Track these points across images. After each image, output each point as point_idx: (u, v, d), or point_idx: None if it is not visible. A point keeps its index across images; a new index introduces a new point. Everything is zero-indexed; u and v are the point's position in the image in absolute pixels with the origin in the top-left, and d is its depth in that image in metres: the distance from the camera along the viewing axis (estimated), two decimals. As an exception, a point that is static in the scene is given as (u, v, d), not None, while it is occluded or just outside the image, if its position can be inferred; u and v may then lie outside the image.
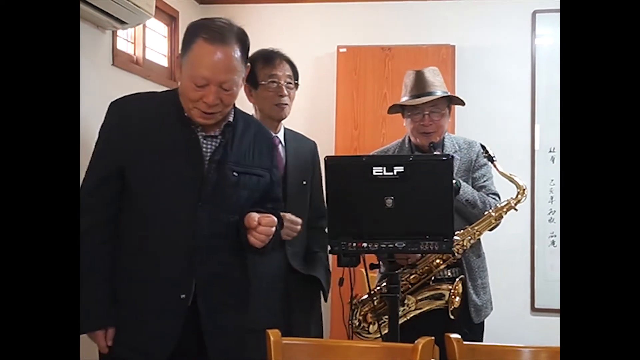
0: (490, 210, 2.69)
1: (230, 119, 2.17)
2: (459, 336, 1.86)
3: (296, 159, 2.84)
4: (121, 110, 2.14)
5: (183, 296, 2.06)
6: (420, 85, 2.81)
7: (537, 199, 4.44)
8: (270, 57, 2.81)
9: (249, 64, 2.12)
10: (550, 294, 4.41)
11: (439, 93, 2.79)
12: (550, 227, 4.47)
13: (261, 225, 2.06)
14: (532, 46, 4.57)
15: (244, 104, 2.86)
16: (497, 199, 2.78)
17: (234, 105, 2.17)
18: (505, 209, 2.68)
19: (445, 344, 1.87)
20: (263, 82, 2.78)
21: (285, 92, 2.79)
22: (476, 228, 2.68)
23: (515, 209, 2.71)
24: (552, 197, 4.39)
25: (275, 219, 2.11)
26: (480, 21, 4.62)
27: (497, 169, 2.68)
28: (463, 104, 2.87)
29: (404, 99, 2.85)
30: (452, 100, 2.86)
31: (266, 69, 2.79)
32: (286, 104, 2.80)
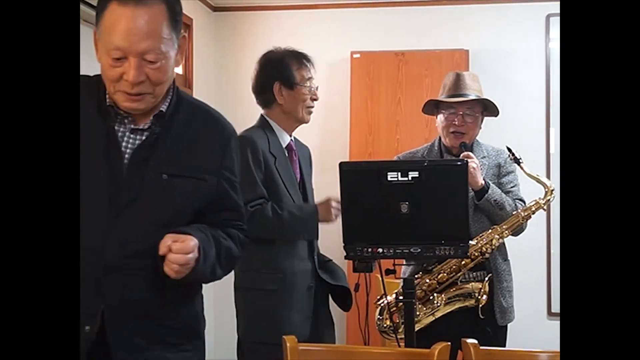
0: (519, 210, 2.72)
1: (164, 107, 1.74)
2: (476, 341, 1.86)
3: (305, 165, 2.85)
4: None
5: (87, 328, 1.63)
6: (458, 86, 2.86)
7: (552, 202, 4.41)
8: (307, 60, 2.79)
9: (185, 34, 1.75)
10: (567, 298, 4.38)
11: (475, 97, 2.84)
12: (566, 231, 4.44)
13: (171, 251, 1.62)
14: (546, 50, 4.56)
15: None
16: (523, 205, 2.81)
17: (176, 89, 1.78)
18: (533, 208, 2.72)
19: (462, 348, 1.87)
20: (301, 84, 2.73)
21: (318, 96, 2.79)
22: (504, 227, 2.71)
23: (544, 209, 2.76)
24: (568, 201, 4.36)
25: (191, 245, 1.63)
26: (494, 25, 4.62)
27: (524, 171, 2.73)
28: (496, 115, 2.90)
29: (442, 97, 2.89)
30: (487, 108, 2.88)
31: (303, 71, 2.75)
32: (313, 109, 2.80)
